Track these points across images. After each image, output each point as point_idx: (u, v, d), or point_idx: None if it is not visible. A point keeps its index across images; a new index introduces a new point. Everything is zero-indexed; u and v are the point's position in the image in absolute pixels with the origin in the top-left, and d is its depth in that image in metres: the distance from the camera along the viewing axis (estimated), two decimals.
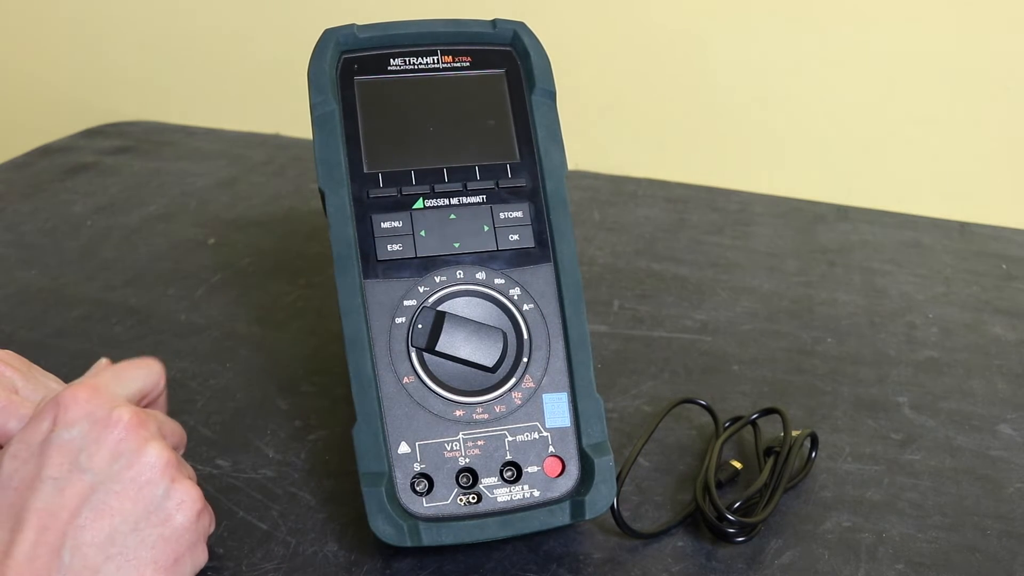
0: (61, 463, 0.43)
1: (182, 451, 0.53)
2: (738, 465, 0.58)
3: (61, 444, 0.44)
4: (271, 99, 1.16)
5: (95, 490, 0.43)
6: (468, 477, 0.50)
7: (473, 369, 0.51)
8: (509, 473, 0.50)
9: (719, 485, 0.56)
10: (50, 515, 0.42)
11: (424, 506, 0.49)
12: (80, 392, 0.46)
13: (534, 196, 0.54)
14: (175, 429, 0.51)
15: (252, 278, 0.81)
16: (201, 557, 0.47)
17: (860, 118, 0.99)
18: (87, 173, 1.04)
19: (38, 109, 1.31)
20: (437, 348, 0.50)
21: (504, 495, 0.50)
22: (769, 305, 0.78)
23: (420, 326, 0.51)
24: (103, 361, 0.54)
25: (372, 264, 0.51)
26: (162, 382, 0.53)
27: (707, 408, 0.61)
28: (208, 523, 0.49)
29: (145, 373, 0.51)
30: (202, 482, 0.54)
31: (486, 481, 0.50)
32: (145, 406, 0.52)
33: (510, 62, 0.56)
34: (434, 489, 0.49)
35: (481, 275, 0.52)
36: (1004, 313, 0.77)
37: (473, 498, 0.50)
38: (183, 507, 0.46)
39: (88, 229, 0.90)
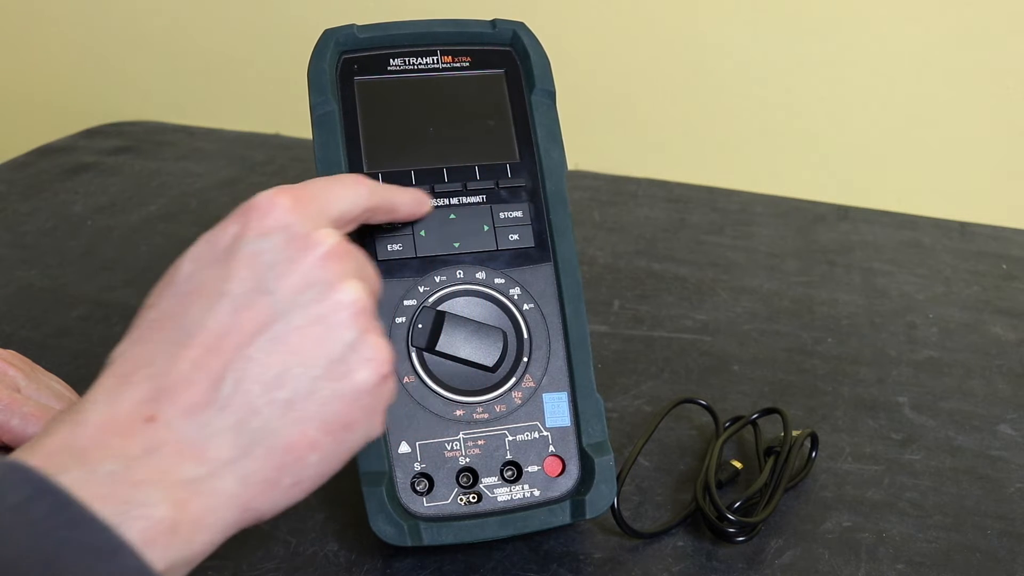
0: (244, 278, 0.37)
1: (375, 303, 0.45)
2: (738, 465, 0.58)
3: (249, 254, 0.37)
4: (271, 99, 1.16)
5: (275, 319, 0.37)
6: (468, 477, 0.50)
7: (473, 369, 0.51)
8: (509, 473, 0.50)
9: (719, 485, 0.56)
10: (219, 337, 0.36)
11: (424, 506, 0.49)
12: (281, 198, 0.39)
13: (534, 196, 0.54)
14: (374, 276, 0.43)
15: None
16: (375, 428, 0.39)
17: (860, 118, 0.99)
18: (87, 173, 1.04)
19: (38, 109, 1.31)
20: (437, 348, 0.50)
21: (504, 495, 0.50)
22: (769, 305, 0.78)
23: (420, 326, 0.51)
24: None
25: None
26: (368, 208, 0.44)
27: (707, 408, 0.61)
28: (391, 390, 0.40)
29: (354, 195, 0.43)
30: None
31: (486, 481, 0.50)
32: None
33: (510, 62, 0.56)
34: (434, 489, 0.49)
35: (481, 275, 0.52)
36: (1004, 313, 0.77)
37: (473, 498, 0.50)
38: (370, 365, 0.38)
39: (88, 229, 0.90)
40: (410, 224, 0.52)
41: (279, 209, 0.38)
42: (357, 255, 0.41)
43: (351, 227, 0.44)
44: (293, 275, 0.37)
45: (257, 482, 0.35)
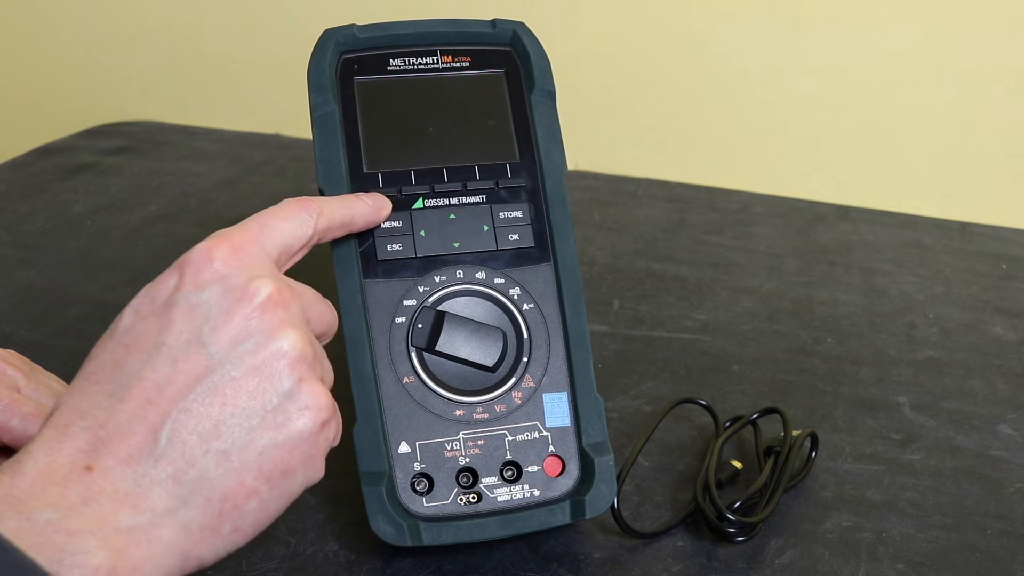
0: (181, 330, 0.37)
1: (327, 340, 0.45)
2: (738, 465, 0.58)
3: (186, 308, 0.38)
4: (271, 99, 1.16)
5: (211, 371, 0.37)
6: (468, 476, 0.50)
7: (473, 369, 0.51)
8: (509, 473, 0.50)
9: (719, 485, 0.56)
10: (156, 388, 0.36)
11: (424, 506, 0.49)
12: (218, 249, 0.39)
13: (534, 196, 0.54)
14: (324, 313, 0.44)
15: None
16: (315, 473, 0.40)
17: (860, 118, 0.99)
18: (87, 173, 1.04)
19: (38, 109, 1.31)
20: (437, 348, 0.50)
21: (504, 495, 0.50)
22: (769, 305, 0.78)
23: (420, 326, 0.51)
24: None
25: (372, 264, 0.51)
26: (316, 232, 0.45)
27: (707, 408, 0.61)
28: (333, 435, 0.41)
29: (297, 226, 0.44)
30: None
31: (486, 480, 0.50)
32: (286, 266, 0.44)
33: (510, 62, 0.56)
34: (434, 489, 0.49)
35: (481, 275, 0.52)
36: (1004, 313, 0.77)
37: (473, 497, 0.50)
38: (306, 413, 0.39)
39: (88, 229, 0.90)
40: (410, 224, 0.52)
41: (216, 261, 0.39)
42: (301, 296, 0.41)
43: (301, 255, 0.45)
44: (229, 327, 0.38)
45: (196, 530, 0.36)
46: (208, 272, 0.39)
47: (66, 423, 0.36)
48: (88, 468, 0.35)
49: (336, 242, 0.51)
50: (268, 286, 0.39)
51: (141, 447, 0.36)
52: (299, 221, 0.44)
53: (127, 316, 0.39)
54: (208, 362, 0.37)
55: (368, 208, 0.49)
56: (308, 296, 0.42)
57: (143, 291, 0.39)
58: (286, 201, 0.45)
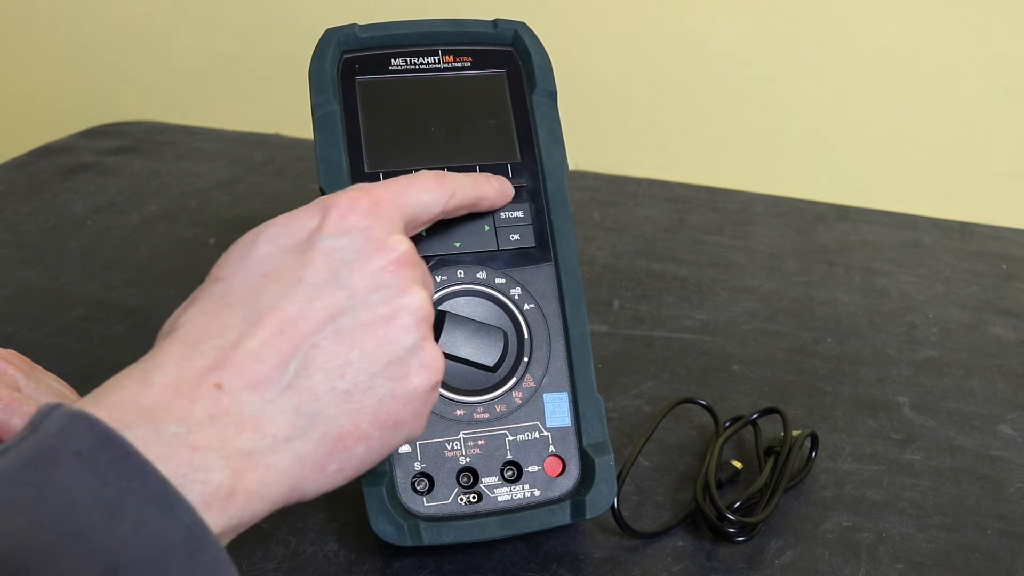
0: (320, 269, 0.38)
1: None
2: (738, 465, 0.58)
3: (327, 248, 0.39)
4: (271, 99, 1.16)
5: (344, 312, 0.38)
6: (469, 476, 0.50)
7: (474, 368, 0.51)
8: (510, 472, 0.50)
9: (719, 485, 0.56)
10: (291, 320, 0.37)
11: (424, 505, 0.49)
12: (362, 201, 0.40)
13: (535, 196, 0.54)
14: (432, 288, 0.44)
15: None
16: (418, 430, 0.41)
17: (860, 118, 0.99)
18: (87, 173, 1.04)
19: (38, 109, 1.31)
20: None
21: (504, 494, 0.50)
22: (769, 305, 0.78)
23: None
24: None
25: None
26: (445, 211, 0.46)
27: (707, 408, 0.61)
28: (436, 400, 0.42)
29: (433, 198, 0.45)
30: None
31: (487, 480, 0.50)
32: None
33: (511, 62, 0.56)
34: (435, 488, 0.49)
35: (482, 275, 0.52)
36: (1004, 313, 0.77)
37: (474, 497, 0.50)
38: (425, 371, 0.39)
39: (88, 229, 0.90)
40: None
41: (359, 211, 0.40)
42: (423, 265, 0.42)
43: (427, 225, 0.46)
44: (365, 274, 0.39)
45: (308, 463, 0.36)
46: (351, 219, 0.39)
47: (197, 340, 0.36)
48: (217, 386, 0.35)
49: None
50: (405, 244, 0.40)
51: (270, 374, 0.36)
52: (435, 195, 0.45)
53: (263, 245, 0.39)
54: (342, 304, 0.38)
55: (495, 191, 0.50)
56: (425, 266, 0.43)
57: (280, 221, 0.40)
58: (424, 172, 0.46)
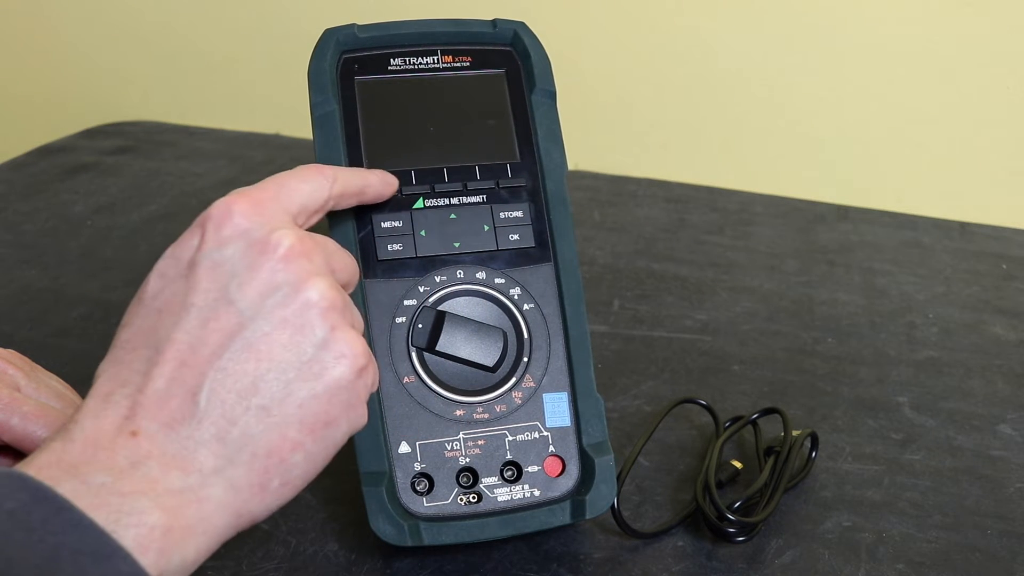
0: (208, 289, 0.37)
1: (351, 289, 0.44)
2: (738, 465, 0.58)
3: (211, 266, 0.38)
4: (271, 99, 1.16)
5: (244, 327, 0.37)
6: (468, 477, 0.50)
7: (473, 369, 0.51)
8: (509, 473, 0.50)
9: (719, 485, 0.56)
10: (191, 350, 0.36)
11: (424, 506, 0.49)
12: (237, 204, 0.39)
13: (534, 196, 0.54)
14: (346, 263, 0.43)
15: None
16: (359, 420, 0.40)
17: (860, 118, 0.99)
18: (87, 173, 1.04)
19: (38, 109, 1.31)
20: (437, 348, 0.50)
21: (504, 495, 0.50)
22: (769, 305, 0.78)
23: (420, 326, 0.51)
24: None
25: (372, 264, 0.51)
26: (331, 196, 0.45)
27: (707, 408, 0.61)
28: (371, 381, 0.41)
29: (314, 186, 0.44)
30: None
31: (486, 481, 0.50)
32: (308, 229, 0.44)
33: (510, 62, 0.56)
34: (434, 489, 0.49)
35: (481, 275, 0.52)
36: (1004, 313, 0.77)
37: (473, 498, 0.50)
38: (343, 361, 0.38)
39: (88, 229, 0.90)
40: (411, 224, 0.52)
41: (236, 216, 0.39)
42: (324, 246, 0.41)
43: (317, 217, 0.44)
44: (256, 281, 0.38)
45: (245, 487, 0.36)
46: (228, 228, 0.38)
47: (107, 392, 0.36)
48: (133, 433, 0.35)
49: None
50: (289, 237, 0.39)
51: (182, 410, 0.36)
52: (316, 183, 0.44)
53: (153, 281, 0.39)
54: (239, 319, 0.37)
55: (378, 180, 0.49)
56: (329, 246, 0.42)
57: (167, 253, 0.39)
58: (302, 165, 0.45)
